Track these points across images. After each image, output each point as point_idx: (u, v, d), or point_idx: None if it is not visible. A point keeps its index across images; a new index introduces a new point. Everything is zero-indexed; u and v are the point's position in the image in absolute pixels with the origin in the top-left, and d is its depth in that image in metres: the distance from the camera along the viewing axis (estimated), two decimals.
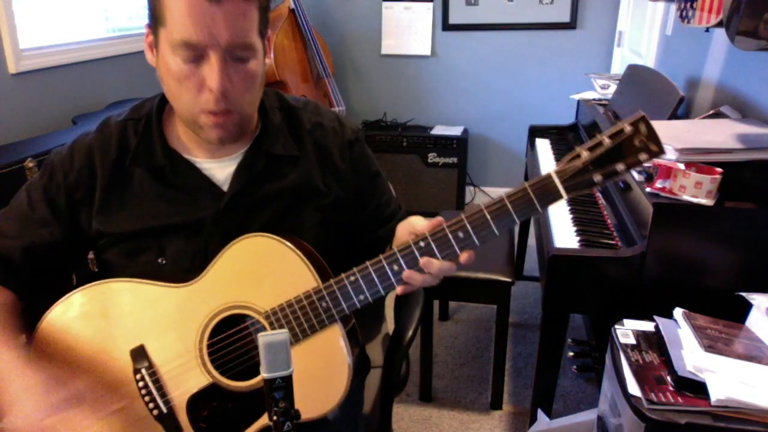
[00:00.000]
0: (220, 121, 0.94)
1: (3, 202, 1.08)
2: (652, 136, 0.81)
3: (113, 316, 0.98)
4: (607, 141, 0.82)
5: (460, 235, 0.88)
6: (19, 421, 0.86)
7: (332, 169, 1.08)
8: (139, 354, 0.97)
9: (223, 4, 0.86)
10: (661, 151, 0.81)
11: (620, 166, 0.82)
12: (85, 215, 1.03)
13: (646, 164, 0.83)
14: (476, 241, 0.88)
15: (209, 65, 0.89)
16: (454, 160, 3.63)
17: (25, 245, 1.01)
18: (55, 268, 1.06)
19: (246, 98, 0.95)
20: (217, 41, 0.87)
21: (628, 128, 0.81)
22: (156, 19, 0.91)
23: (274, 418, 0.79)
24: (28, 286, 1.03)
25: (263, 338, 0.77)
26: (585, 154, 0.83)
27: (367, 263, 0.92)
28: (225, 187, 1.03)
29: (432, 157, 3.64)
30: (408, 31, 3.81)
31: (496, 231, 0.87)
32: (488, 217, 0.87)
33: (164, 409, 0.97)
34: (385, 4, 3.78)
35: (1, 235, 1.02)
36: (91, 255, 1.10)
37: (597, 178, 0.83)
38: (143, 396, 0.97)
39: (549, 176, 0.85)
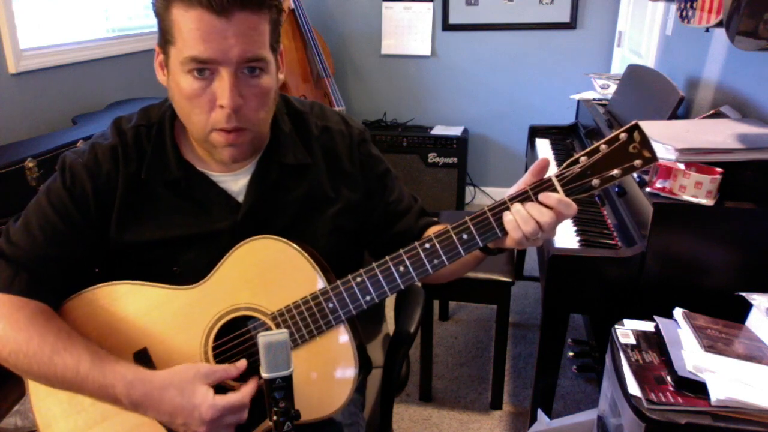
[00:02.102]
0: (232, 139, 0.92)
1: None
2: (646, 143, 0.86)
3: (118, 318, 0.98)
4: (603, 147, 0.86)
5: (464, 236, 0.90)
6: (204, 412, 0.88)
7: (341, 174, 1.08)
8: (143, 357, 0.97)
9: (233, 20, 0.84)
10: (654, 158, 0.86)
11: (616, 172, 0.87)
12: (109, 221, 1.00)
13: (640, 170, 0.87)
14: (480, 242, 0.91)
15: (220, 81, 0.88)
16: (454, 160, 3.63)
17: (56, 255, 0.97)
18: (84, 274, 1.02)
19: (259, 115, 0.94)
20: (227, 57, 0.86)
21: (623, 135, 0.86)
22: (166, 38, 0.89)
23: (274, 418, 0.79)
24: (60, 296, 0.99)
25: (263, 338, 0.77)
26: (583, 159, 0.87)
27: (374, 264, 0.94)
28: (240, 198, 1.02)
29: (432, 157, 3.64)
30: (408, 31, 3.81)
31: (498, 233, 0.90)
32: (491, 218, 0.90)
33: None
34: (385, 4, 3.78)
35: (30, 245, 0.96)
36: None
37: (595, 182, 0.87)
38: None
39: (549, 180, 0.88)
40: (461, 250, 0.91)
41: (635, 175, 1.49)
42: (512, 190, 0.91)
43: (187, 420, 0.89)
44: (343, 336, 0.96)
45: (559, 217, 0.88)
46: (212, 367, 0.94)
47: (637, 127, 0.86)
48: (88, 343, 0.95)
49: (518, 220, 0.87)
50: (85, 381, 0.91)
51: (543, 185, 0.88)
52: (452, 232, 0.91)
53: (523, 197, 0.89)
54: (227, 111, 0.89)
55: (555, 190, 0.88)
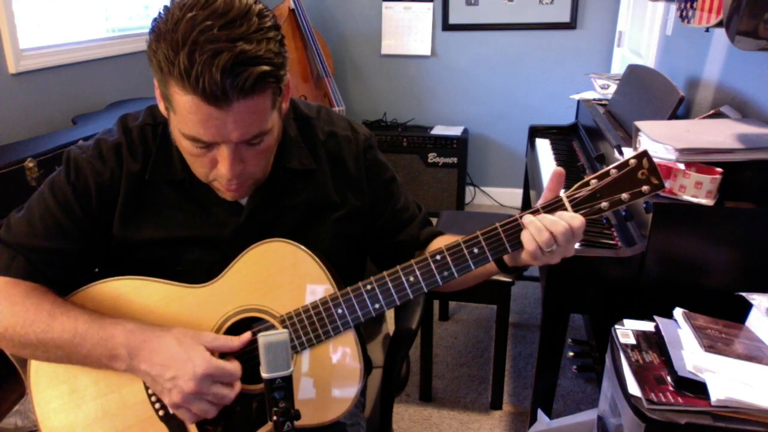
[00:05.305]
0: (234, 189, 0.94)
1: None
2: (654, 170, 0.89)
3: (126, 313, 0.97)
4: (613, 171, 0.90)
5: (475, 251, 0.92)
6: (198, 365, 0.88)
7: (347, 179, 1.07)
8: None
9: (232, 109, 0.81)
10: (661, 186, 0.89)
11: (625, 196, 0.90)
12: (111, 218, 1.00)
13: (647, 197, 0.90)
14: (490, 257, 0.93)
15: (220, 154, 0.87)
16: (454, 160, 3.63)
17: (55, 248, 0.97)
18: (83, 270, 1.03)
19: (260, 166, 0.94)
20: (227, 138, 0.85)
21: (632, 161, 0.89)
22: (165, 98, 0.87)
23: (274, 418, 0.79)
24: (58, 286, 0.99)
25: (263, 338, 0.77)
26: (594, 182, 0.90)
27: (384, 274, 0.95)
28: (243, 201, 1.02)
29: (432, 157, 3.64)
30: (408, 31, 3.81)
31: (508, 248, 0.92)
32: (502, 235, 0.91)
33: (170, 410, 0.96)
34: (385, 4, 3.78)
35: (30, 236, 0.97)
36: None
37: (604, 204, 0.90)
38: (149, 396, 0.97)
39: (560, 199, 0.91)
40: (471, 264, 0.93)
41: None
42: None
43: (177, 373, 0.88)
44: (349, 341, 0.97)
45: (574, 231, 0.88)
46: (215, 335, 0.94)
47: (645, 154, 0.89)
48: (85, 308, 0.95)
49: (532, 231, 0.89)
50: (84, 337, 0.91)
51: (554, 204, 0.91)
52: (463, 245, 0.92)
53: (533, 213, 0.91)
54: (228, 177, 0.89)
55: (565, 209, 0.90)
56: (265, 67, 0.81)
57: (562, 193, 0.91)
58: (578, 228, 0.89)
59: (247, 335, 0.95)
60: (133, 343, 0.91)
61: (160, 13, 0.83)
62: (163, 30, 0.80)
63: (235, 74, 0.78)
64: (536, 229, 0.88)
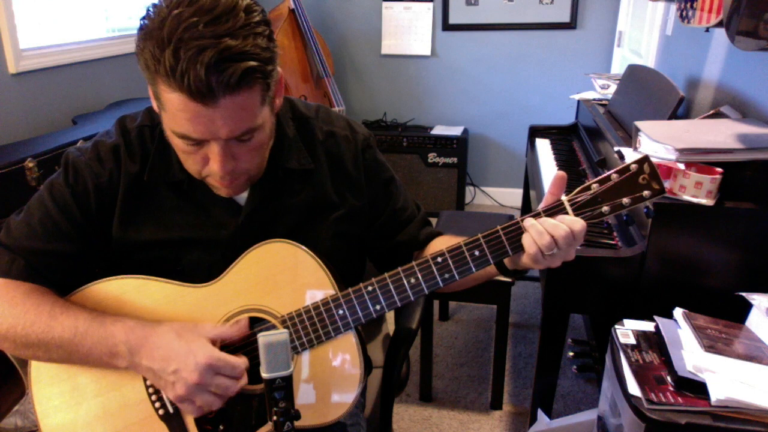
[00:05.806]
0: (227, 184, 0.94)
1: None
2: (655, 175, 0.89)
3: (127, 311, 0.98)
4: (615, 176, 0.90)
5: (476, 253, 0.92)
6: (200, 356, 0.87)
7: (346, 179, 1.08)
8: None
9: (219, 106, 0.81)
10: (662, 191, 0.89)
11: (626, 201, 0.90)
12: (111, 219, 1.00)
13: (648, 201, 0.90)
14: (491, 259, 0.93)
15: (211, 151, 0.88)
16: (454, 160, 3.63)
17: (55, 250, 0.97)
18: (83, 271, 1.02)
19: (254, 163, 0.94)
20: (217, 135, 0.85)
21: (633, 166, 0.89)
22: (155, 97, 0.87)
23: (274, 418, 0.79)
24: (58, 287, 0.99)
25: (263, 338, 0.77)
26: (595, 186, 0.90)
27: (386, 275, 0.95)
28: (242, 202, 1.02)
29: (432, 157, 3.64)
30: (408, 31, 3.81)
31: (509, 251, 0.92)
32: (503, 238, 0.92)
33: (170, 409, 0.96)
34: (385, 4, 3.78)
35: (29, 238, 0.97)
36: None
37: (605, 209, 0.90)
38: (150, 395, 0.97)
39: (561, 203, 0.91)
40: (472, 266, 0.93)
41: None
42: None
43: (179, 366, 0.88)
44: (350, 342, 0.97)
45: (575, 235, 0.88)
46: (215, 325, 0.94)
47: (647, 159, 0.89)
48: (86, 307, 0.95)
49: (533, 234, 0.89)
50: (85, 336, 0.91)
51: (555, 208, 0.91)
52: (464, 247, 0.92)
53: (534, 216, 0.91)
54: (221, 174, 0.90)
55: (566, 213, 0.90)
56: (252, 63, 0.81)
57: (564, 197, 0.91)
58: (579, 232, 0.88)
59: (244, 321, 0.95)
60: (133, 340, 0.91)
61: (148, 10, 0.83)
62: (150, 28, 0.81)
63: (220, 70, 0.78)
64: (537, 233, 0.88)
